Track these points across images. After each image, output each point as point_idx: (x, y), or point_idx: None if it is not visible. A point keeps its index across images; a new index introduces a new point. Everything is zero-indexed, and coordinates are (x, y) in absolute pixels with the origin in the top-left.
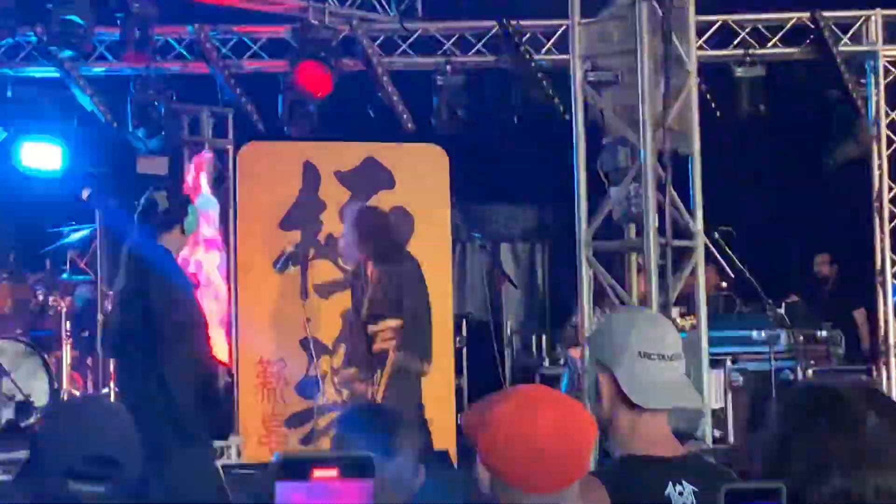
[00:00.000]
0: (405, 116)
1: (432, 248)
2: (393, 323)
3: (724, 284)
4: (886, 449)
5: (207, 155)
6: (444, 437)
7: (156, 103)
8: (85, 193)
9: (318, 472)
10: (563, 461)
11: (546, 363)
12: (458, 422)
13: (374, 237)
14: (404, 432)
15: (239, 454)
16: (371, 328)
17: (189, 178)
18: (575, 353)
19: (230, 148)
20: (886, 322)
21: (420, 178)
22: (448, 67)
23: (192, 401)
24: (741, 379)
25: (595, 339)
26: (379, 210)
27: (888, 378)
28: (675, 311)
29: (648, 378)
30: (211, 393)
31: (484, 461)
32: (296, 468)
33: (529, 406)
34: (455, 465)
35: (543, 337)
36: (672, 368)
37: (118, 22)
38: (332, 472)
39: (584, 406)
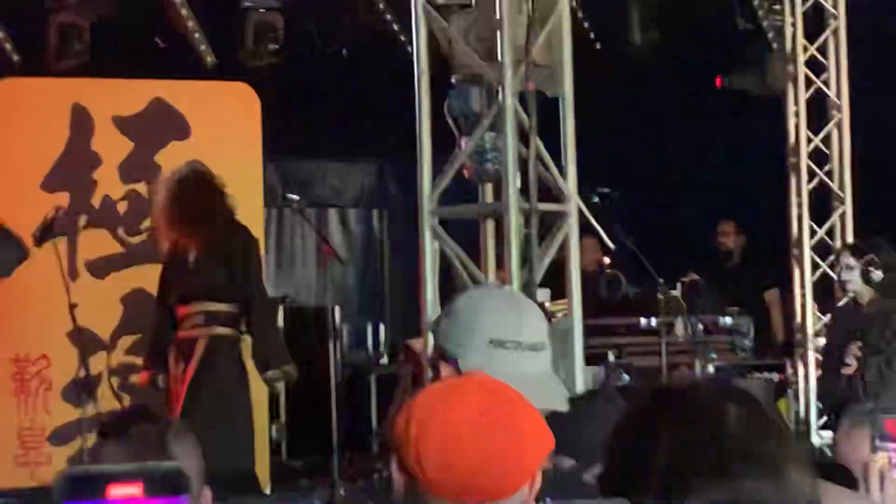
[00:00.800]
0: (203, 47)
1: (241, 215)
2: (215, 308)
3: (607, 260)
4: (751, 446)
5: None
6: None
7: None
8: None
9: (116, 490)
10: (493, 459)
11: (384, 359)
12: (272, 434)
13: (196, 206)
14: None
15: None
16: (184, 309)
17: None
18: (418, 344)
19: None
20: (804, 306)
21: (223, 127)
22: None
23: None
24: (626, 377)
25: (438, 323)
26: (205, 171)
27: (805, 374)
28: (543, 294)
29: (501, 371)
30: None
31: (398, 462)
32: (88, 485)
33: (452, 391)
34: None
35: (381, 327)
36: (532, 360)
37: None
38: (135, 490)
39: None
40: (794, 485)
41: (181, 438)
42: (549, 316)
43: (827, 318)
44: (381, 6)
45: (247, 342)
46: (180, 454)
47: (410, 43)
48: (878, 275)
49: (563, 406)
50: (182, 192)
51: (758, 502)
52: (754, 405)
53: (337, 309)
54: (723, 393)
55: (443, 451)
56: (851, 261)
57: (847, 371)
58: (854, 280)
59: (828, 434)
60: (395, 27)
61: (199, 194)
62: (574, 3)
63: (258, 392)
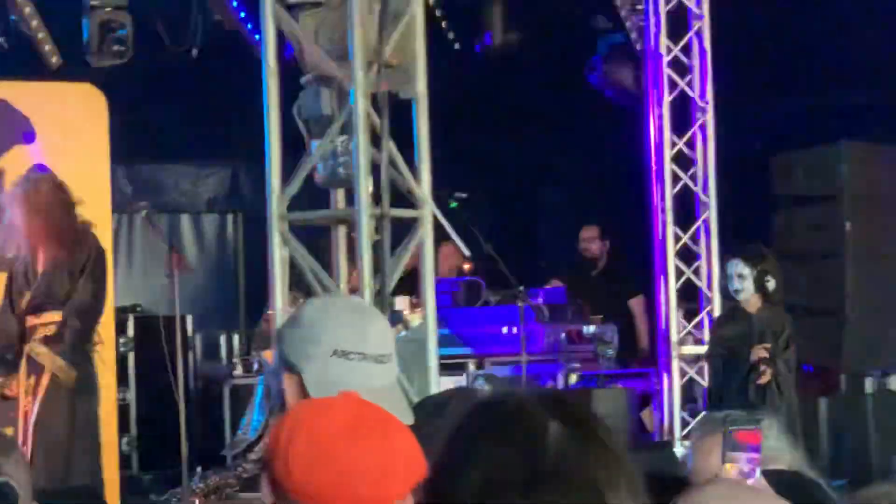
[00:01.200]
0: (48, 47)
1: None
2: (58, 317)
3: (467, 267)
4: (569, 466)
5: None
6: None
7: None
8: None
9: None
10: (360, 473)
11: (238, 370)
12: (122, 447)
13: (46, 219)
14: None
15: None
16: (31, 320)
17: None
18: (269, 355)
19: None
20: (668, 314)
21: (69, 129)
22: None
23: None
24: (485, 386)
25: (283, 333)
26: (57, 181)
27: (669, 384)
28: (401, 302)
29: (345, 383)
30: None
31: (268, 477)
32: None
33: (325, 403)
34: None
35: (235, 337)
36: (379, 371)
37: None
38: None
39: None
40: None
41: (9, 453)
42: (406, 325)
43: (692, 325)
44: (233, 4)
45: (99, 352)
46: (9, 469)
47: (262, 42)
48: (772, 284)
49: (408, 420)
50: (32, 203)
51: None
52: (583, 423)
53: (189, 318)
54: (549, 408)
55: (310, 459)
56: (745, 270)
57: (763, 380)
58: (747, 289)
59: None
60: (249, 26)
61: (49, 206)
62: (430, 2)
63: (108, 403)
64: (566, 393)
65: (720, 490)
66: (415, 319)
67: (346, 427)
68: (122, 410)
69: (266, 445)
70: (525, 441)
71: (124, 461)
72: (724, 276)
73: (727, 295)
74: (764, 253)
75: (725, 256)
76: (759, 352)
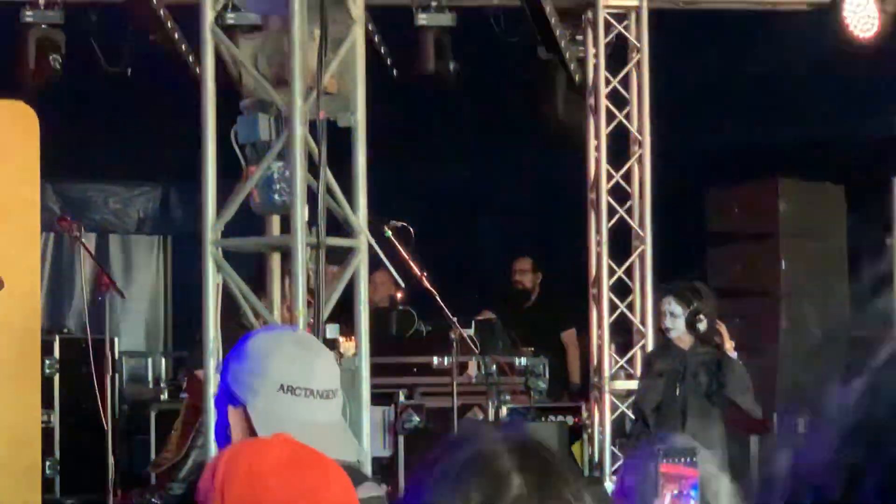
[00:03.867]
0: None
1: (16, 240)
2: None
3: (400, 296)
4: None
5: None
6: (27, 494)
7: None
8: None
9: None
10: None
11: (165, 395)
12: (46, 471)
13: None
14: None
15: None
16: None
17: None
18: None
19: None
20: (601, 348)
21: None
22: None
23: None
24: (416, 419)
25: (227, 364)
26: None
27: (599, 419)
28: (332, 329)
29: (291, 418)
30: None
31: None
32: None
33: (260, 443)
34: None
35: (163, 361)
36: (324, 408)
37: None
38: None
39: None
40: None
41: None
42: (342, 353)
43: (624, 360)
44: (169, 24)
45: None
46: None
47: (199, 64)
48: (704, 325)
49: (353, 456)
50: None
51: None
52: (546, 476)
53: (116, 340)
54: (516, 458)
55: (246, 495)
56: (677, 309)
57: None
58: (678, 327)
59: None
60: (184, 47)
61: None
62: (370, 29)
63: (33, 426)
64: (536, 444)
65: None
66: (349, 349)
67: (280, 466)
68: (46, 433)
69: (202, 483)
70: (488, 491)
71: (47, 485)
72: (658, 313)
73: (660, 330)
74: (698, 291)
75: (658, 293)
76: (720, 327)
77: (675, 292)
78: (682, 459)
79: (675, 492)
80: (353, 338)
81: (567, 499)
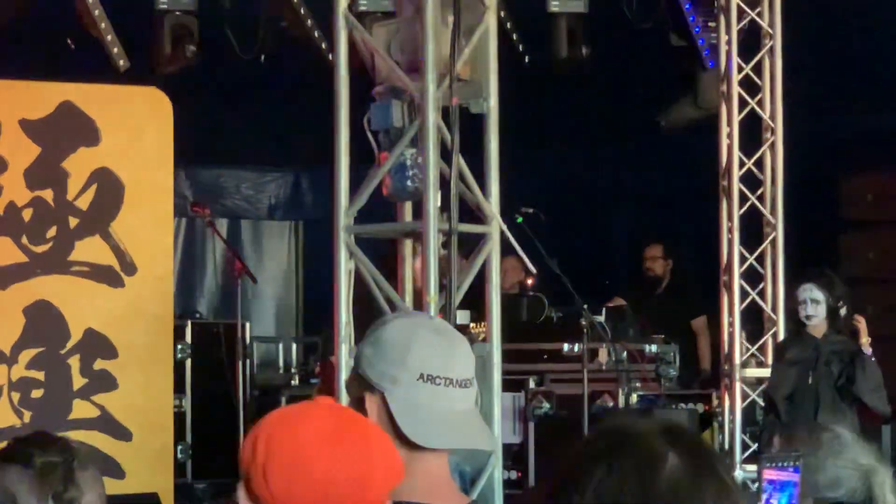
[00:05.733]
0: (116, 50)
1: (148, 225)
2: None
3: (530, 282)
4: (682, 496)
5: None
6: (159, 477)
7: None
8: None
9: None
10: (339, 480)
11: (296, 381)
12: (178, 455)
13: None
14: None
15: None
16: None
17: None
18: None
19: None
20: (731, 335)
21: (134, 132)
22: None
23: None
24: (546, 405)
25: (363, 351)
26: None
27: (730, 406)
28: (463, 315)
29: (431, 409)
30: None
31: (245, 488)
32: None
33: (301, 411)
34: None
35: (294, 347)
36: (462, 396)
37: None
38: None
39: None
40: None
41: (85, 470)
42: (472, 339)
43: (756, 347)
44: (302, 11)
45: None
46: (85, 485)
47: (331, 50)
48: (844, 311)
49: (489, 446)
50: None
51: None
52: (698, 455)
53: (247, 326)
54: (668, 438)
55: (289, 466)
56: (819, 295)
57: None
58: (819, 314)
59: (753, 468)
60: (316, 34)
61: None
62: (503, 15)
63: (165, 410)
64: (683, 425)
65: None
66: (479, 335)
67: (324, 434)
68: (178, 418)
69: (243, 454)
70: (643, 468)
71: (179, 468)
72: (794, 300)
73: (793, 318)
74: (836, 279)
75: (797, 280)
76: (860, 321)
77: (815, 278)
78: (786, 464)
79: (775, 495)
80: (483, 324)
81: (720, 475)
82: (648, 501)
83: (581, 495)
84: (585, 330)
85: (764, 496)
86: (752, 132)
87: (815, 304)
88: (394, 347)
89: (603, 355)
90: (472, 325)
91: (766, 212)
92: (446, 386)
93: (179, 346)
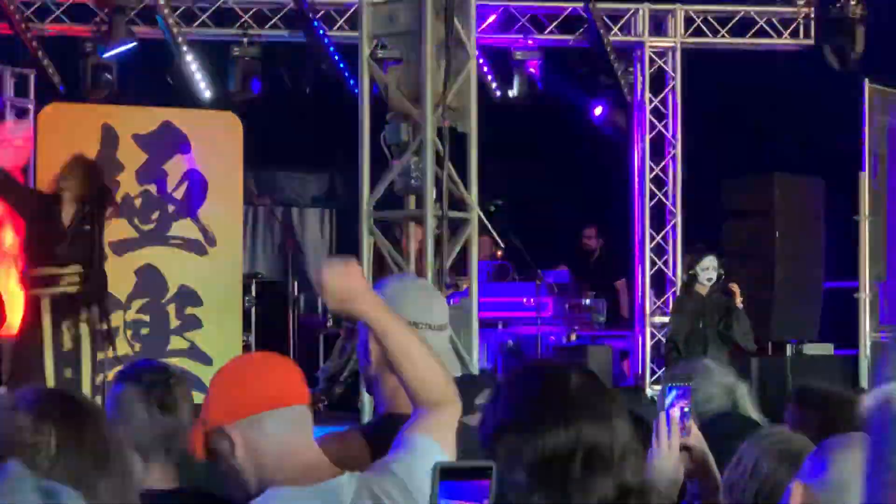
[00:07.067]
0: (202, 85)
1: (225, 211)
2: None
3: (499, 253)
4: (588, 401)
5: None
6: None
7: None
8: None
9: None
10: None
11: (329, 322)
12: None
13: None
14: None
15: None
16: None
17: None
18: None
19: (31, 108)
20: (643, 292)
21: (214, 144)
22: (245, 39)
23: None
24: (510, 341)
25: None
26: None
27: (642, 343)
28: (452, 277)
29: None
30: None
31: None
32: None
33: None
34: None
35: None
36: (438, 337)
37: None
38: None
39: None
40: (618, 429)
41: (180, 385)
42: (458, 287)
43: (661, 301)
44: (337, 57)
45: None
46: (180, 397)
47: (357, 85)
48: (723, 277)
49: (457, 372)
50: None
51: (592, 442)
52: (591, 375)
53: (295, 283)
54: (569, 366)
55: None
56: (716, 264)
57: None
58: (714, 279)
59: (658, 387)
60: (346, 73)
61: None
62: (479, 62)
63: (235, 344)
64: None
65: None
66: (462, 285)
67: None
68: (245, 349)
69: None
70: (558, 388)
71: None
72: (696, 267)
73: (688, 281)
74: (721, 255)
75: (701, 254)
76: (734, 286)
77: (714, 253)
78: (682, 383)
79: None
80: (462, 278)
81: (606, 386)
82: (567, 407)
83: (520, 411)
84: (538, 287)
85: (668, 398)
86: (659, 147)
87: (714, 271)
88: (390, 301)
89: (551, 306)
90: (458, 279)
91: (668, 204)
92: (427, 329)
93: (247, 298)
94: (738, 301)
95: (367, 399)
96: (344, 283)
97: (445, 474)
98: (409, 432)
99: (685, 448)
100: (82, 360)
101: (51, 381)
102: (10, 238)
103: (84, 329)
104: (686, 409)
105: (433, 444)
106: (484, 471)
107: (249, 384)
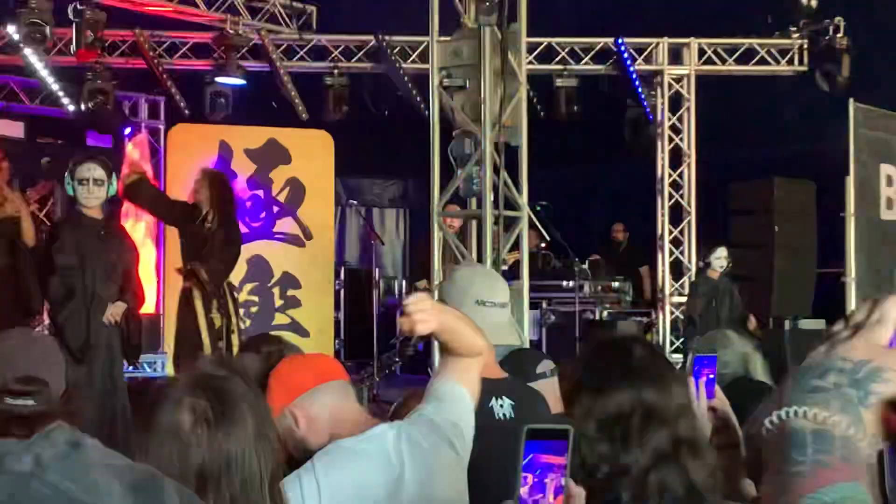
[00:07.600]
0: (300, 108)
1: (319, 212)
2: None
3: (543, 245)
4: (649, 365)
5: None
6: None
7: (103, 90)
8: (44, 161)
9: None
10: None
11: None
12: (336, 345)
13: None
14: None
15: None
16: None
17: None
18: (421, 285)
19: (162, 128)
20: (663, 277)
21: (311, 157)
22: (335, 71)
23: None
24: (553, 318)
25: (443, 287)
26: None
27: (662, 319)
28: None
29: (483, 320)
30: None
31: (280, 403)
32: None
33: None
34: None
35: (403, 283)
36: (501, 314)
37: (74, 25)
38: None
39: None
40: (674, 392)
41: (290, 350)
42: (507, 262)
43: (678, 284)
44: (410, 85)
45: None
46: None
47: (429, 109)
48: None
49: (518, 343)
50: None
51: (650, 403)
52: (651, 347)
53: (377, 270)
54: (634, 339)
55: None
56: (727, 254)
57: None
58: (723, 267)
59: (678, 357)
60: (419, 98)
61: None
62: (529, 88)
63: (328, 320)
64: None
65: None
66: (510, 259)
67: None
68: (336, 324)
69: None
70: (624, 356)
71: (335, 354)
72: (709, 256)
73: (703, 267)
74: (728, 246)
75: (715, 245)
76: (752, 321)
77: (727, 245)
78: (708, 352)
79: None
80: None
81: (666, 358)
82: (632, 372)
83: (593, 376)
84: (576, 273)
85: (695, 368)
86: (676, 157)
87: (724, 260)
88: (459, 283)
89: (587, 288)
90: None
91: (684, 204)
92: (492, 307)
93: (337, 282)
94: (753, 325)
95: (436, 360)
96: (421, 308)
97: (531, 434)
98: (441, 381)
99: (711, 409)
100: (224, 334)
101: (208, 353)
102: (142, 235)
103: (222, 309)
104: (711, 376)
105: (462, 391)
106: (563, 432)
107: (300, 370)
